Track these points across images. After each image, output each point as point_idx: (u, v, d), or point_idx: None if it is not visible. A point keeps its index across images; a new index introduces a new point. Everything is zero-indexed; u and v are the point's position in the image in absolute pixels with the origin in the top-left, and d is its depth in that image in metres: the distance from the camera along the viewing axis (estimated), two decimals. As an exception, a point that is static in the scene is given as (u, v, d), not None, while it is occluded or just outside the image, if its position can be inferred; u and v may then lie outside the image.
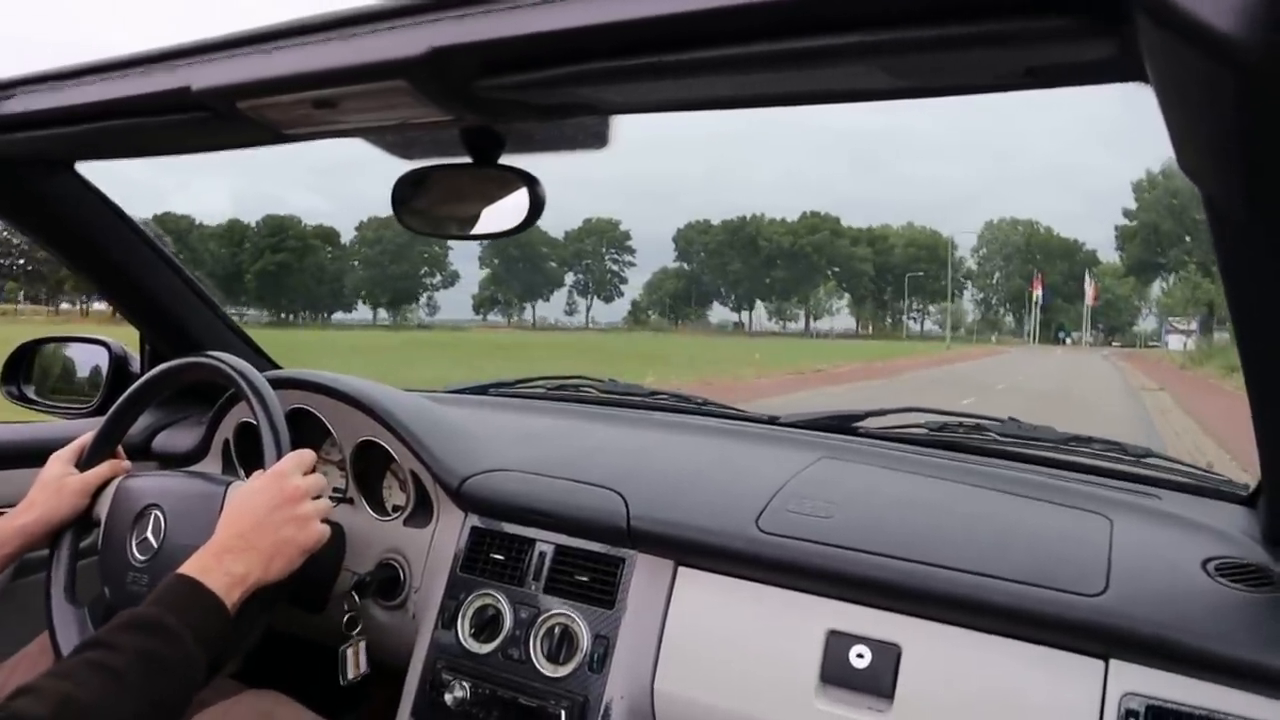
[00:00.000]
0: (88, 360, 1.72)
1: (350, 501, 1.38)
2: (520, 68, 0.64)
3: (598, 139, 0.92)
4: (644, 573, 1.10)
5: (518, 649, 1.12)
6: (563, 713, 1.06)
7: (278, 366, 1.68)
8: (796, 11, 0.51)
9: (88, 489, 1.20)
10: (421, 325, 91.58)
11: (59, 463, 1.21)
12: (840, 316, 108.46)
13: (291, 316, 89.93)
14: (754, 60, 0.56)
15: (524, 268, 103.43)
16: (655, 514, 1.11)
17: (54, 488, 1.18)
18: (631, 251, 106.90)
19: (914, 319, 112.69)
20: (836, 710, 0.95)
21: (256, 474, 1.07)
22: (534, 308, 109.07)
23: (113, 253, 1.41)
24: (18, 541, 1.14)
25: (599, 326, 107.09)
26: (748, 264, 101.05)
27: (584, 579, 1.12)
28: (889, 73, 0.57)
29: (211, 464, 1.50)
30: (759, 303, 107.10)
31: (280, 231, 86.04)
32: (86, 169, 1.25)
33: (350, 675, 1.21)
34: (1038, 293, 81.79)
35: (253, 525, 0.99)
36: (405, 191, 1.02)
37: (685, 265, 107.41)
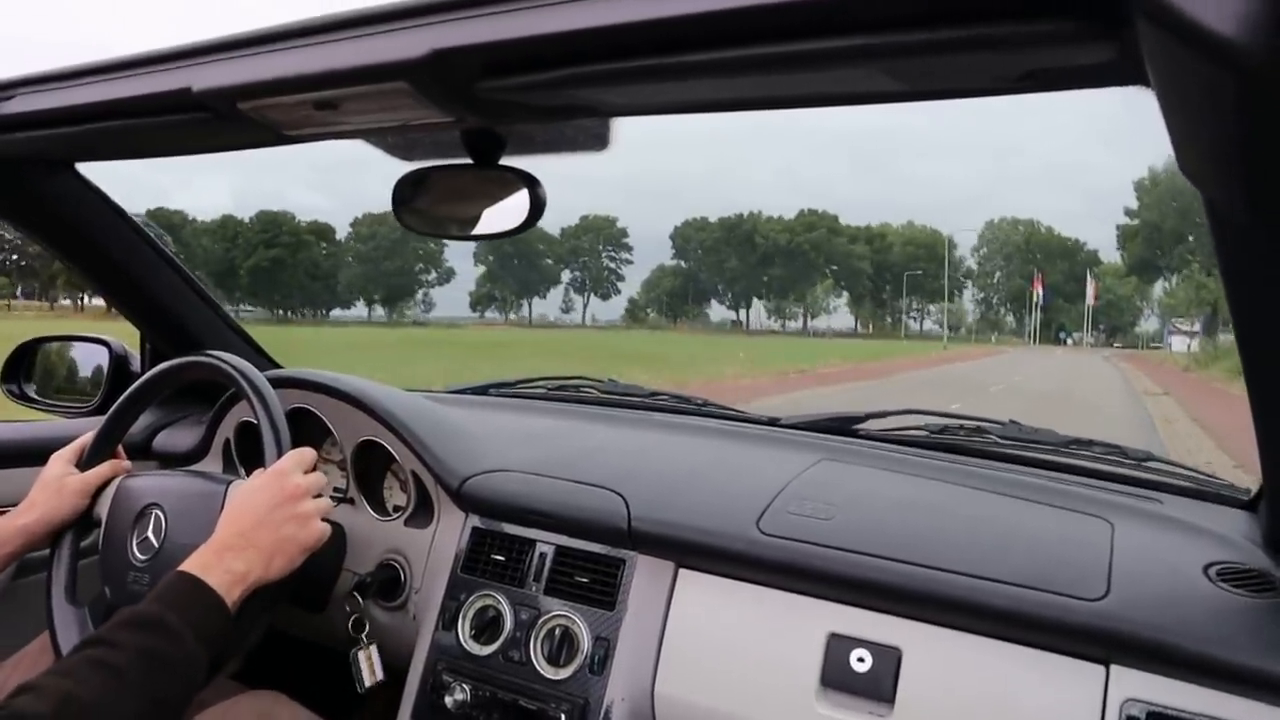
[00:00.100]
0: (88, 359, 1.72)
1: (351, 501, 1.38)
2: (521, 70, 0.64)
3: (598, 141, 0.92)
4: (644, 574, 1.10)
5: (518, 651, 1.12)
6: (563, 715, 1.06)
7: (278, 366, 1.68)
8: (797, 15, 0.51)
9: (88, 488, 1.20)
10: (417, 322, 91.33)
11: (59, 462, 1.22)
12: (839, 315, 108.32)
13: (290, 313, 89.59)
14: (754, 63, 0.56)
15: (520, 265, 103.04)
16: (656, 515, 1.10)
17: (54, 487, 1.18)
18: (629, 249, 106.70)
19: (913, 318, 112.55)
20: (837, 714, 0.95)
21: (257, 472, 1.07)
22: (530, 305, 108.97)
23: (113, 252, 1.41)
24: (18, 541, 1.14)
25: (597, 324, 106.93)
26: (744, 261, 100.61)
27: (584, 580, 1.12)
28: (889, 76, 0.57)
29: (212, 463, 1.50)
30: (757, 301, 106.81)
31: (273, 227, 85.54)
32: (87, 167, 1.25)
33: (367, 682, 1.20)
34: (1038, 292, 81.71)
35: (253, 523, 0.99)
36: (406, 192, 1.02)
37: (682, 263, 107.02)
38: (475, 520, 1.23)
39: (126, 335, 1.68)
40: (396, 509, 1.34)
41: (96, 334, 1.73)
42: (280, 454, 1.08)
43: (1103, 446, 1.34)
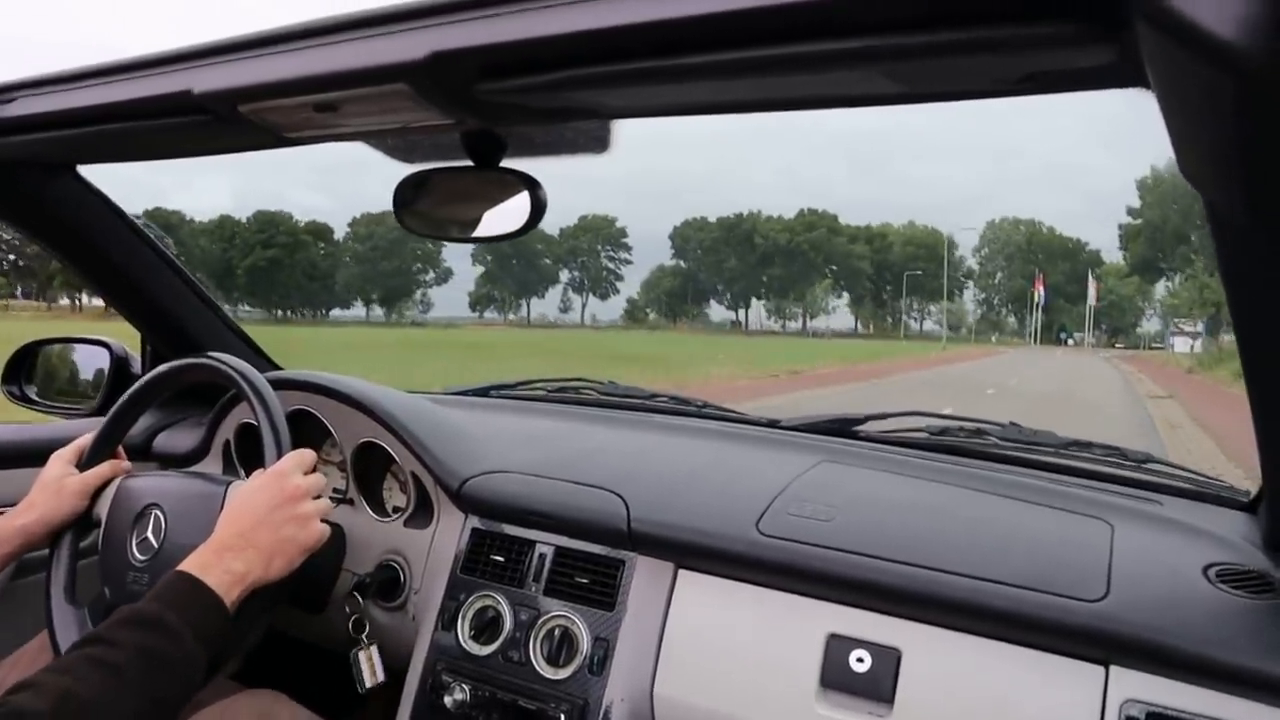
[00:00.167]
0: (89, 361, 1.72)
1: (350, 502, 1.38)
2: (521, 72, 0.64)
3: (598, 143, 0.92)
4: (644, 575, 1.10)
5: (518, 651, 1.12)
6: (562, 715, 1.06)
7: (278, 367, 1.68)
8: (796, 17, 0.51)
9: (88, 489, 1.20)
10: (415, 323, 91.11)
11: (59, 463, 1.22)
12: (840, 315, 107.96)
13: (290, 314, 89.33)
14: (754, 65, 0.56)
15: (518, 265, 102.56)
16: (655, 516, 1.11)
17: (54, 488, 1.18)
18: (628, 249, 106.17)
19: (914, 319, 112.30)
20: (836, 715, 0.95)
21: (257, 473, 1.07)
22: (528, 305, 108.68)
23: (114, 254, 1.41)
24: (18, 541, 1.15)
25: (598, 325, 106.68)
26: (744, 261, 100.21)
27: (584, 581, 1.12)
28: (888, 78, 0.57)
29: (212, 464, 1.50)
30: (757, 301, 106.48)
31: (270, 227, 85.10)
32: (87, 169, 1.25)
33: (368, 683, 1.21)
34: (1039, 293, 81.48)
35: (253, 524, 0.99)
36: (407, 194, 1.02)
37: (681, 263, 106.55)
38: (475, 521, 1.23)
39: (124, 335, 1.68)
40: (396, 510, 1.34)
41: (97, 335, 1.73)
42: (280, 455, 1.08)
43: (1102, 448, 1.34)
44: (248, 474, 1.26)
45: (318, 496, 1.06)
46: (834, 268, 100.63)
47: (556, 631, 1.11)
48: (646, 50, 0.57)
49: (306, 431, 1.37)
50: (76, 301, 65.84)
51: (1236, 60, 0.36)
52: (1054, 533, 1.03)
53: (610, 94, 0.67)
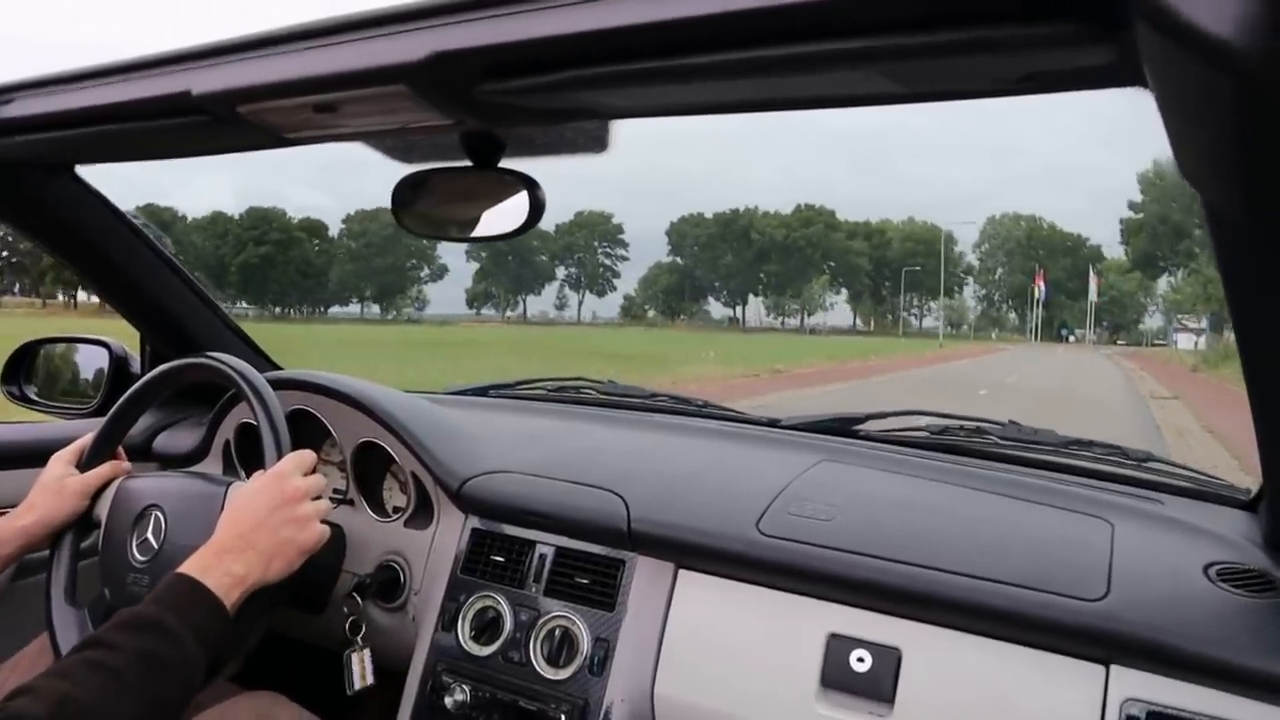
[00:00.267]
0: (88, 361, 1.72)
1: (350, 503, 1.38)
2: (521, 72, 0.64)
3: (597, 143, 0.92)
4: (644, 575, 1.10)
5: (518, 651, 1.12)
6: (563, 716, 1.06)
7: (278, 367, 1.68)
8: (797, 18, 0.51)
9: (88, 490, 1.20)
10: (411, 320, 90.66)
11: (59, 464, 1.22)
12: (839, 312, 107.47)
13: (289, 311, 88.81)
14: (754, 66, 0.56)
15: (513, 261, 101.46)
16: (655, 516, 1.11)
17: (54, 489, 1.18)
18: (624, 245, 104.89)
19: (914, 315, 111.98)
20: (837, 715, 0.95)
21: (257, 474, 1.07)
22: (524, 302, 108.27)
23: (113, 255, 1.41)
24: (18, 542, 1.15)
25: (596, 321, 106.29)
26: (740, 258, 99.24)
27: (584, 581, 1.12)
28: (888, 78, 0.57)
29: (212, 465, 1.50)
30: (754, 298, 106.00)
31: (263, 224, 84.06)
32: (86, 168, 1.25)
33: (357, 685, 1.21)
34: (1040, 288, 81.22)
35: (253, 525, 0.99)
36: (406, 194, 1.02)
37: (678, 259, 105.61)
38: (475, 521, 1.23)
39: (120, 333, 1.68)
40: (396, 510, 1.34)
41: (96, 335, 1.73)
42: (280, 456, 1.08)
43: (1103, 447, 1.34)
44: (248, 474, 1.27)
45: (317, 497, 1.06)
46: (832, 264, 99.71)
47: (557, 632, 1.11)
48: (647, 51, 0.57)
49: (306, 431, 1.37)
50: (72, 299, 65.62)
51: (1234, 60, 0.35)
52: (1054, 532, 1.03)
53: (611, 94, 0.67)
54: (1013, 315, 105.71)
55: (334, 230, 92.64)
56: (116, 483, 1.22)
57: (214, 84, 0.76)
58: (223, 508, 1.07)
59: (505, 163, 0.93)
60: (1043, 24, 0.47)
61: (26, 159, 1.09)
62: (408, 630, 1.24)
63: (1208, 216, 0.53)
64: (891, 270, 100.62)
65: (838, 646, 0.96)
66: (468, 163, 0.93)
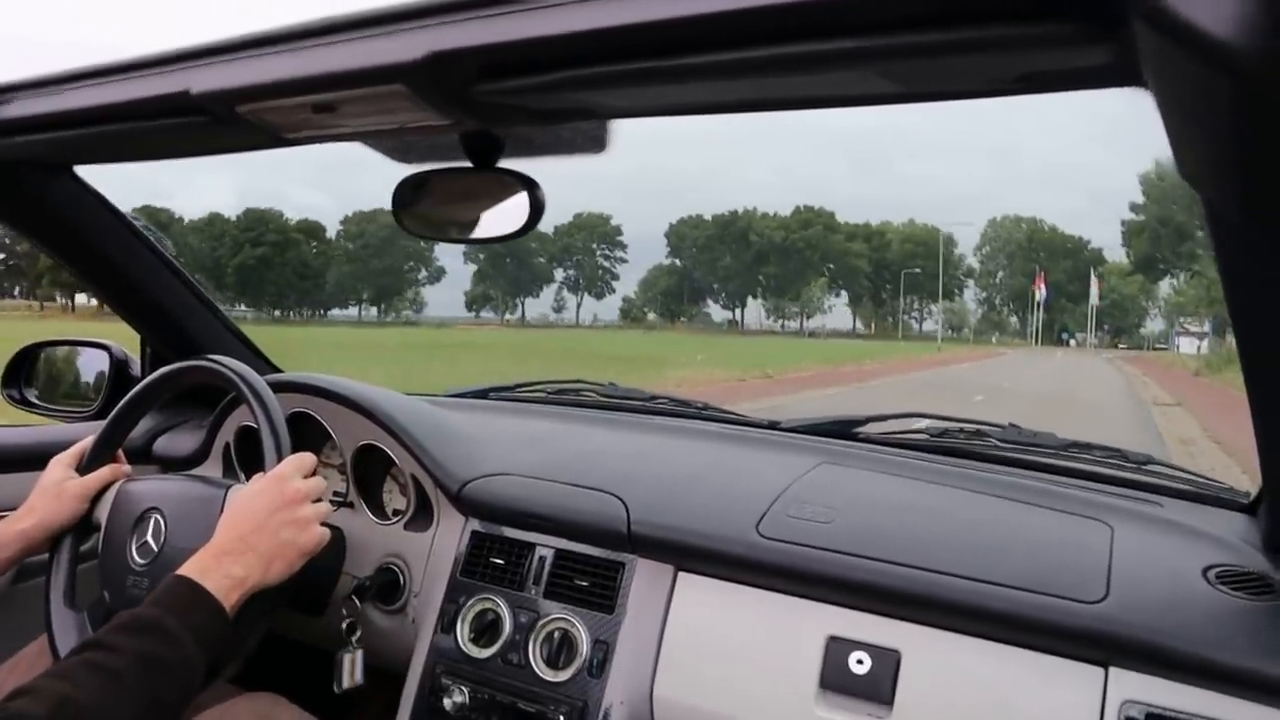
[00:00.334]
0: (88, 364, 1.72)
1: (350, 505, 1.38)
2: (519, 72, 0.64)
3: (596, 143, 0.92)
4: (644, 577, 1.10)
5: (517, 654, 1.11)
6: (562, 718, 1.06)
7: (278, 370, 1.68)
8: (794, 17, 0.51)
9: (88, 493, 1.20)
10: (408, 322, 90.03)
11: (59, 467, 1.22)
12: (838, 315, 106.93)
13: (287, 313, 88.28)
14: (751, 66, 0.56)
15: (511, 264, 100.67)
16: (655, 518, 1.10)
17: (54, 492, 1.18)
18: (623, 247, 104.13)
19: (914, 318, 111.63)
20: (836, 716, 0.94)
21: (257, 477, 1.07)
22: (523, 305, 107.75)
23: (112, 256, 1.41)
24: (17, 546, 1.14)
25: (595, 324, 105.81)
26: (739, 259, 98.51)
27: (584, 583, 1.12)
28: (885, 78, 0.57)
29: (212, 467, 1.50)
30: (753, 300, 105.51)
31: (260, 225, 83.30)
32: (85, 168, 1.25)
33: (345, 684, 1.20)
34: (1040, 291, 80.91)
35: (252, 528, 0.99)
36: (406, 195, 1.02)
37: (677, 261, 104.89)
38: (475, 524, 1.23)
39: (118, 336, 1.68)
40: (396, 512, 1.34)
41: (96, 338, 1.73)
42: (280, 458, 1.08)
43: (1102, 450, 1.34)
44: (248, 477, 1.27)
45: (317, 500, 1.06)
46: (831, 266, 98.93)
47: (556, 634, 1.10)
48: (645, 50, 0.57)
49: (306, 434, 1.37)
50: (69, 302, 65.44)
51: (1232, 60, 0.35)
52: (1054, 534, 1.03)
53: (609, 94, 0.67)
54: (1014, 319, 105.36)
55: (331, 232, 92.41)
56: (116, 486, 1.22)
57: (213, 83, 0.76)
58: (222, 510, 1.07)
59: (504, 163, 0.93)
60: (1040, 23, 0.47)
61: (26, 159, 1.09)
62: (407, 632, 1.24)
63: (1207, 216, 0.53)
64: (891, 273, 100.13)
65: (837, 648, 0.96)
66: (467, 163, 0.93)
